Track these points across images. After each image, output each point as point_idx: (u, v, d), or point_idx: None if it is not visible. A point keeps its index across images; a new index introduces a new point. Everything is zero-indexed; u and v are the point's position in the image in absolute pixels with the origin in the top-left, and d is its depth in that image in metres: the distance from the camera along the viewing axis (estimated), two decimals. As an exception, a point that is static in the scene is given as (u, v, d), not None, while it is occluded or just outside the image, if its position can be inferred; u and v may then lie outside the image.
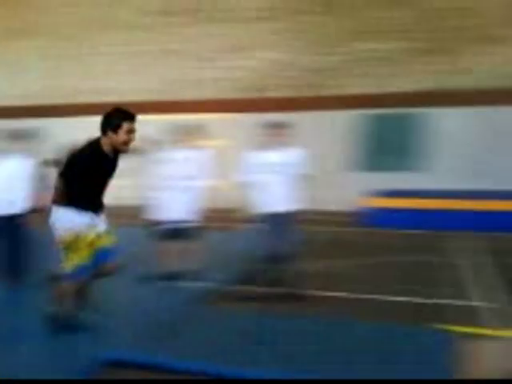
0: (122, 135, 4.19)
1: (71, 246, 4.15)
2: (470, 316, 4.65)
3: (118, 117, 4.22)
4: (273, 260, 5.21)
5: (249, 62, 11.95)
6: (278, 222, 5.22)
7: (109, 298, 4.59)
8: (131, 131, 4.23)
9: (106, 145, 4.22)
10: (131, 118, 4.25)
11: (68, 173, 4.22)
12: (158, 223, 5.58)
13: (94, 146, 4.24)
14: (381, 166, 11.05)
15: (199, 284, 5.46)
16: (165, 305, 4.79)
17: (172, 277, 5.43)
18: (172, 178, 5.30)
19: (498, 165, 10.39)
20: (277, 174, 5.27)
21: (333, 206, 10.26)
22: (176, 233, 5.38)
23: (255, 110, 11.29)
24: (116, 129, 4.17)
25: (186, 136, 5.60)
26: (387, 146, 11.17)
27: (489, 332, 4.18)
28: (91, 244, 4.23)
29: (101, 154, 4.22)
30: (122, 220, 8.04)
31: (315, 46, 11.51)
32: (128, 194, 9.50)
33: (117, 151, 4.27)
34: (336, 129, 11.18)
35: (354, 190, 10.32)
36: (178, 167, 4.97)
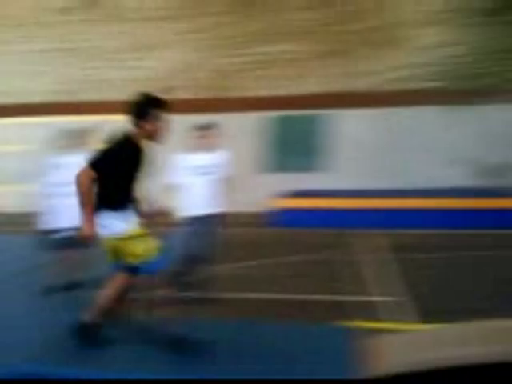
0: (154, 124, 3.84)
1: (138, 235, 3.78)
2: (374, 311, 4.73)
3: (147, 104, 3.86)
4: (193, 263, 5.10)
5: (153, 62, 11.66)
6: (203, 224, 5.13)
7: (10, 311, 4.30)
8: (164, 118, 3.86)
9: (139, 136, 3.85)
10: (163, 104, 3.90)
11: (103, 174, 3.88)
12: (52, 232, 5.28)
13: (124, 140, 3.87)
14: (290, 167, 11.12)
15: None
16: (70, 316, 4.52)
17: (75, 286, 5.16)
18: (67, 184, 5.01)
19: (399, 164, 10.65)
20: (203, 176, 5.19)
21: (244, 208, 10.24)
22: (74, 240, 5.09)
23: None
24: (148, 117, 3.83)
25: (81, 139, 5.34)
26: (296, 148, 11.26)
27: (392, 326, 4.17)
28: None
29: (135, 147, 3.84)
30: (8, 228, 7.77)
31: (222, 48, 11.39)
32: (13, 200, 9.18)
33: (147, 142, 3.88)
34: (244, 131, 11.08)
35: (265, 192, 10.39)
36: (73, 172, 4.70)
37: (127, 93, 11.18)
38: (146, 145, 3.89)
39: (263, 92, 11.15)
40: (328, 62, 10.88)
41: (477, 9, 10.22)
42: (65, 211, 5.11)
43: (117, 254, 3.88)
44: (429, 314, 4.61)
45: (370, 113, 10.71)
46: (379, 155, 10.78)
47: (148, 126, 3.84)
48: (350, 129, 10.77)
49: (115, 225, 3.81)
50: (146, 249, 3.79)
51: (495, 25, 10.25)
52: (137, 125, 3.84)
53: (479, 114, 10.12)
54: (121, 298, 4.02)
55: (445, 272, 6.20)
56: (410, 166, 10.56)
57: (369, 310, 4.78)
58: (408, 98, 10.33)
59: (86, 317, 3.93)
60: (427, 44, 10.34)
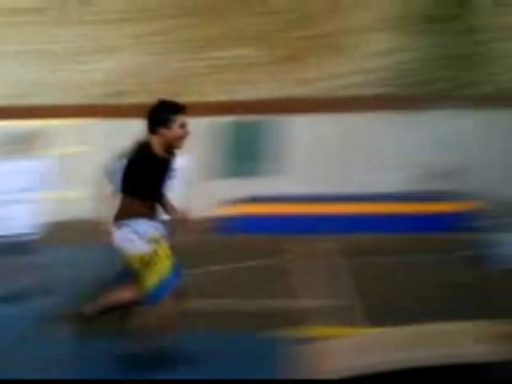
0: (176, 130, 3.79)
1: (149, 262, 3.72)
2: (325, 316, 4.70)
3: (168, 110, 3.83)
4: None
5: (110, 65, 11.40)
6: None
7: None
8: (185, 124, 3.82)
9: (157, 144, 3.79)
10: (183, 109, 3.85)
11: (125, 184, 3.82)
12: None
13: (142, 149, 3.80)
14: (243, 172, 10.95)
15: (41, 303, 5.08)
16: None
17: (10, 296, 5.03)
18: (6, 190, 4.89)
19: (351, 169, 10.61)
20: None
21: (196, 214, 9.99)
22: (13, 248, 4.98)
23: (113, 116, 10.81)
24: (168, 124, 3.75)
25: (27, 144, 5.25)
26: (249, 153, 11.15)
27: (341, 331, 4.19)
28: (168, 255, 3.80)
29: (153, 156, 3.78)
30: None
31: (179, 51, 11.20)
32: None
33: (168, 150, 3.84)
34: (198, 136, 10.84)
35: (218, 198, 10.19)
36: (12, 178, 4.61)
37: (82, 96, 10.94)
38: (167, 152, 3.83)
39: (216, 97, 11.04)
40: (282, 67, 10.88)
41: (426, 16, 10.41)
42: (16, 217, 5.02)
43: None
44: (379, 318, 4.63)
45: (324, 118, 10.72)
46: (332, 161, 10.74)
47: (169, 133, 3.76)
48: (304, 134, 10.77)
49: (136, 243, 3.74)
50: (158, 274, 3.76)
51: (445, 32, 10.46)
52: (157, 132, 3.76)
53: (430, 120, 10.28)
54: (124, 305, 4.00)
55: (397, 276, 6.28)
56: (361, 172, 10.58)
57: (319, 315, 4.78)
58: (360, 103, 10.40)
59: (87, 309, 3.91)
60: (379, 50, 10.48)
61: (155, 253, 3.72)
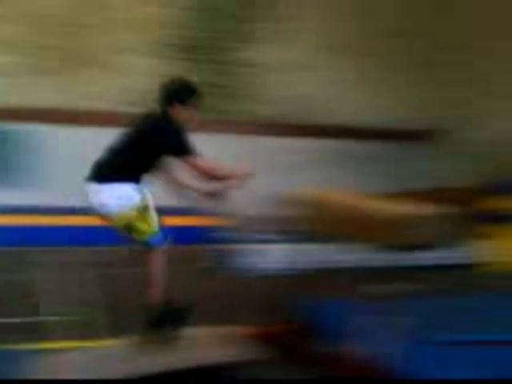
0: (189, 111, 3.78)
1: (136, 218, 3.70)
2: (50, 331, 4.61)
3: (188, 90, 3.81)
4: None
5: None
6: None
7: None
8: (196, 109, 3.82)
9: (175, 117, 3.77)
10: (200, 94, 3.86)
11: (137, 145, 3.75)
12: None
13: (169, 117, 3.74)
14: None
15: None
16: None
17: None
18: None
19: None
20: None
21: None
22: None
23: None
24: (185, 102, 3.74)
25: None
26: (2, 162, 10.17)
27: (67, 345, 4.23)
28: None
29: (174, 122, 3.74)
30: None
31: None
32: None
33: None
34: None
35: None
36: None
37: None
38: None
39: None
40: (42, 77, 10.34)
41: (193, 44, 10.86)
42: None
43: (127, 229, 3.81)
44: (118, 329, 4.54)
45: (83, 131, 10.27)
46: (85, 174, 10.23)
47: (183, 112, 3.78)
48: (62, 146, 10.21)
49: (130, 196, 3.75)
50: (151, 224, 3.81)
51: (209, 62, 10.99)
52: (172, 106, 3.76)
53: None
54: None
55: (125, 287, 6.17)
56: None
57: (43, 331, 4.55)
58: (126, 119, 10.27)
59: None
60: (141, 71, 10.46)
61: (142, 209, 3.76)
